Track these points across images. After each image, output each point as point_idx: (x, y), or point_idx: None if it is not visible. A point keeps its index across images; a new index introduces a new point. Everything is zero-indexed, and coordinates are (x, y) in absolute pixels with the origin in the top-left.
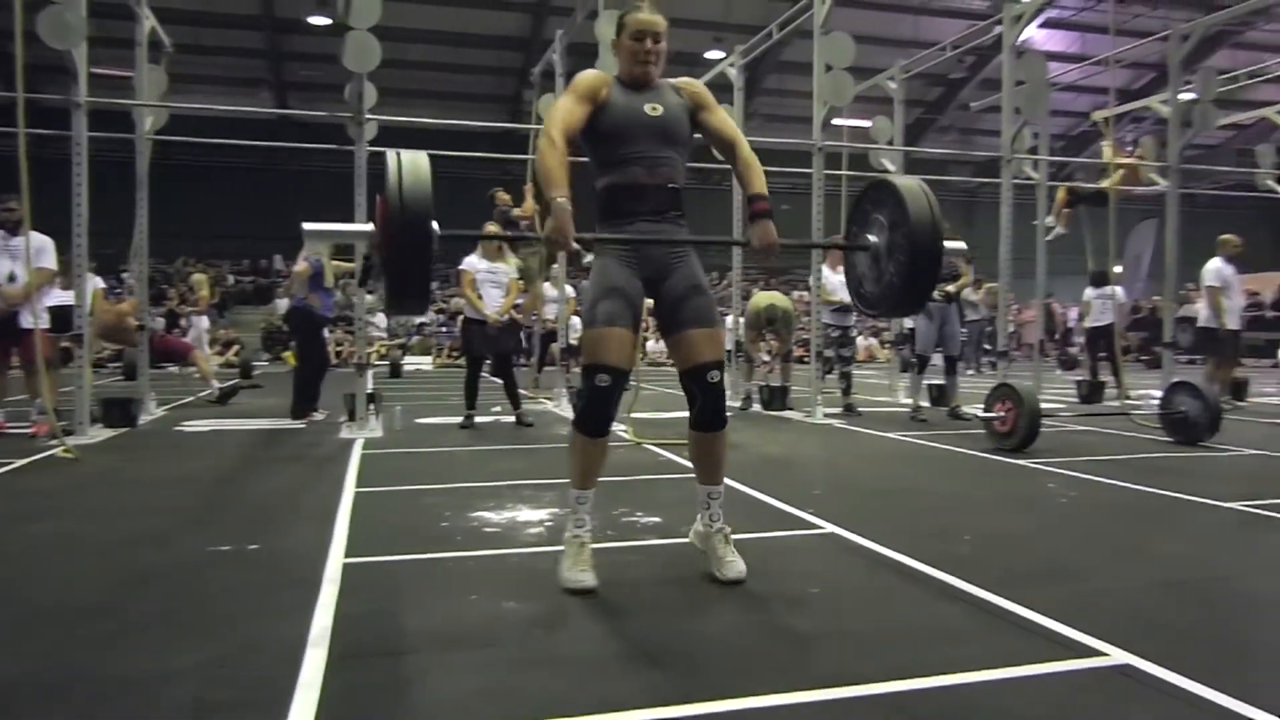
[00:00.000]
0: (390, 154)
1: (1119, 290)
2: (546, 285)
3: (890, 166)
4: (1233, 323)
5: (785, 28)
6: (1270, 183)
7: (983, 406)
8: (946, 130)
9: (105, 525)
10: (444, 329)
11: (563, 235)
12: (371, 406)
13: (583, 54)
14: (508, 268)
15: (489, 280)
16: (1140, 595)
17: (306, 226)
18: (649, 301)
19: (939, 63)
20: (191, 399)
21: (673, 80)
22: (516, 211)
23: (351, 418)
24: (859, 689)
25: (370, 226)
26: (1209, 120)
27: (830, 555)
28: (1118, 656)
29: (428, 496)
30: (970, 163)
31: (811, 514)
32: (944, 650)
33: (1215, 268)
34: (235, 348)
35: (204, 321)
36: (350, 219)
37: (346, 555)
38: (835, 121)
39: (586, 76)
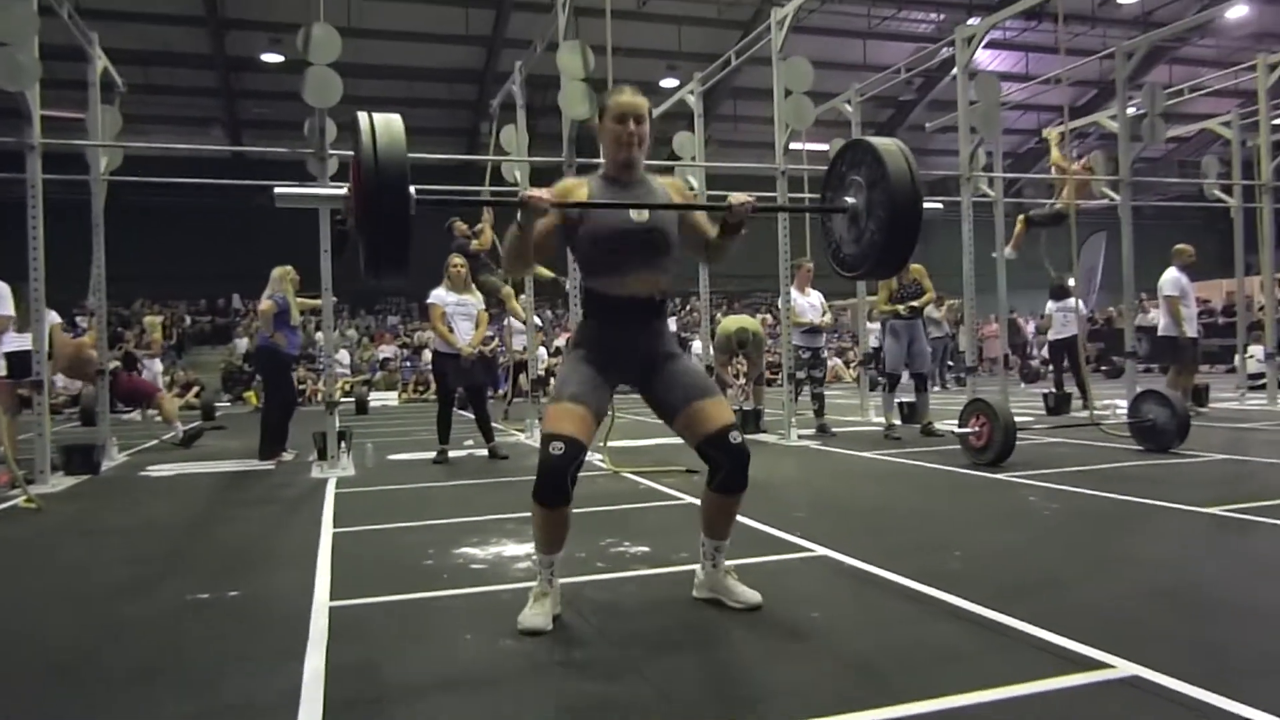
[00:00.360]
0: (362, 116)
1: (1079, 303)
2: (510, 318)
3: None
4: (1191, 330)
5: (742, 55)
6: (1217, 192)
7: (956, 422)
8: None
9: (76, 577)
10: (408, 364)
11: (539, 198)
12: (342, 444)
13: (541, 85)
14: (475, 300)
15: (459, 312)
16: (1135, 604)
17: (278, 190)
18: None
19: (890, 85)
20: (155, 442)
21: (662, 179)
22: (475, 244)
23: (322, 456)
24: (868, 714)
25: (344, 189)
26: (1158, 133)
27: (824, 578)
28: (1124, 668)
29: (409, 534)
30: (924, 182)
31: (799, 537)
32: (949, 670)
33: (1173, 277)
34: (195, 389)
35: (156, 365)
36: (317, 254)
37: (332, 599)
38: (793, 146)
39: (571, 183)
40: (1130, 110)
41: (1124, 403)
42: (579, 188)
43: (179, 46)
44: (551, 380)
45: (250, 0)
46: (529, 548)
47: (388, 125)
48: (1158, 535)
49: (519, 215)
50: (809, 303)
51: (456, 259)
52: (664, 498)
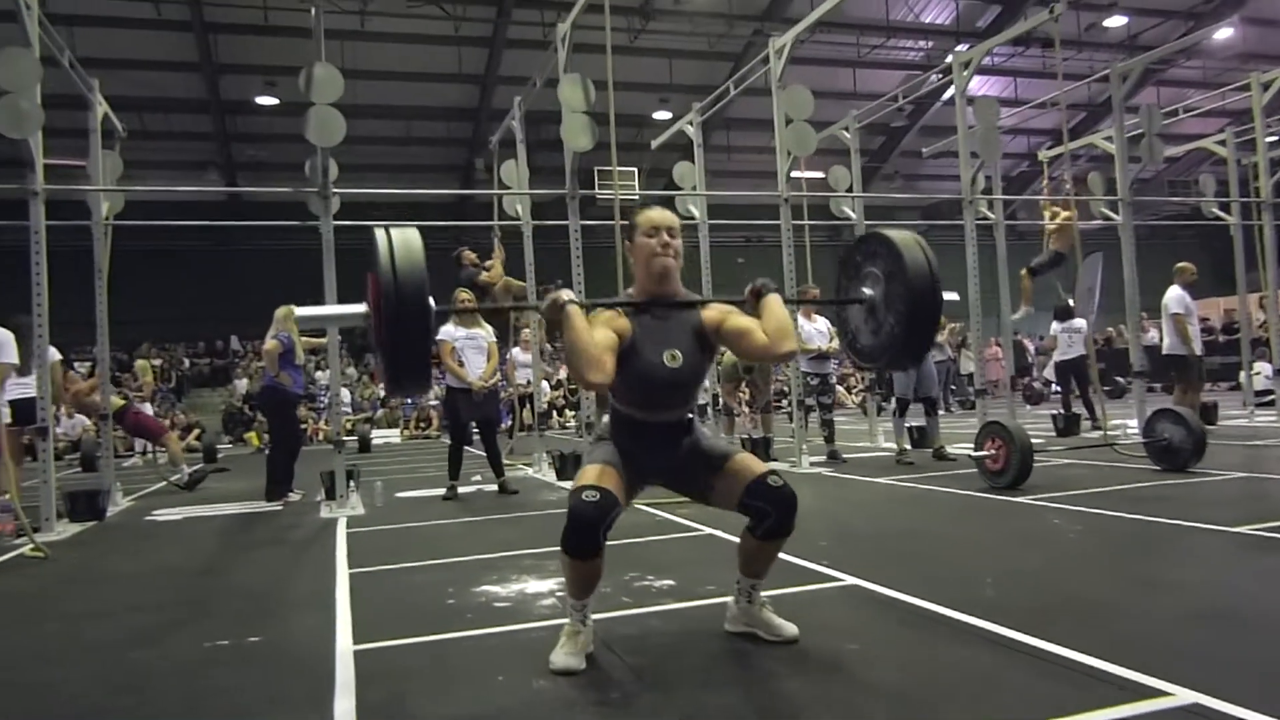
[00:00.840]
0: (379, 231)
1: (1084, 323)
2: (517, 350)
3: (851, 214)
4: (1197, 348)
5: (741, 85)
6: (1215, 210)
7: (972, 446)
8: (891, 177)
9: (90, 625)
10: (409, 401)
11: (559, 296)
12: (351, 483)
13: (536, 121)
14: (485, 332)
15: (469, 345)
16: (1180, 627)
17: (299, 312)
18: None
19: (883, 113)
20: (162, 484)
21: (699, 302)
22: (484, 277)
23: (330, 496)
24: None
25: (364, 307)
26: (1157, 153)
27: (857, 608)
28: (1183, 696)
29: (426, 573)
30: (917, 207)
31: (826, 566)
32: (1001, 701)
33: (1177, 295)
34: (196, 431)
35: (147, 408)
36: (314, 294)
37: (355, 642)
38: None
39: (606, 315)
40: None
41: (1134, 423)
42: (616, 318)
43: (174, 92)
44: (554, 414)
45: (244, 44)
46: (551, 584)
47: (406, 240)
48: (1190, 556)
49: (540, 307)
50: (815, 329)
51: (463, 294)
52: (681, 529)
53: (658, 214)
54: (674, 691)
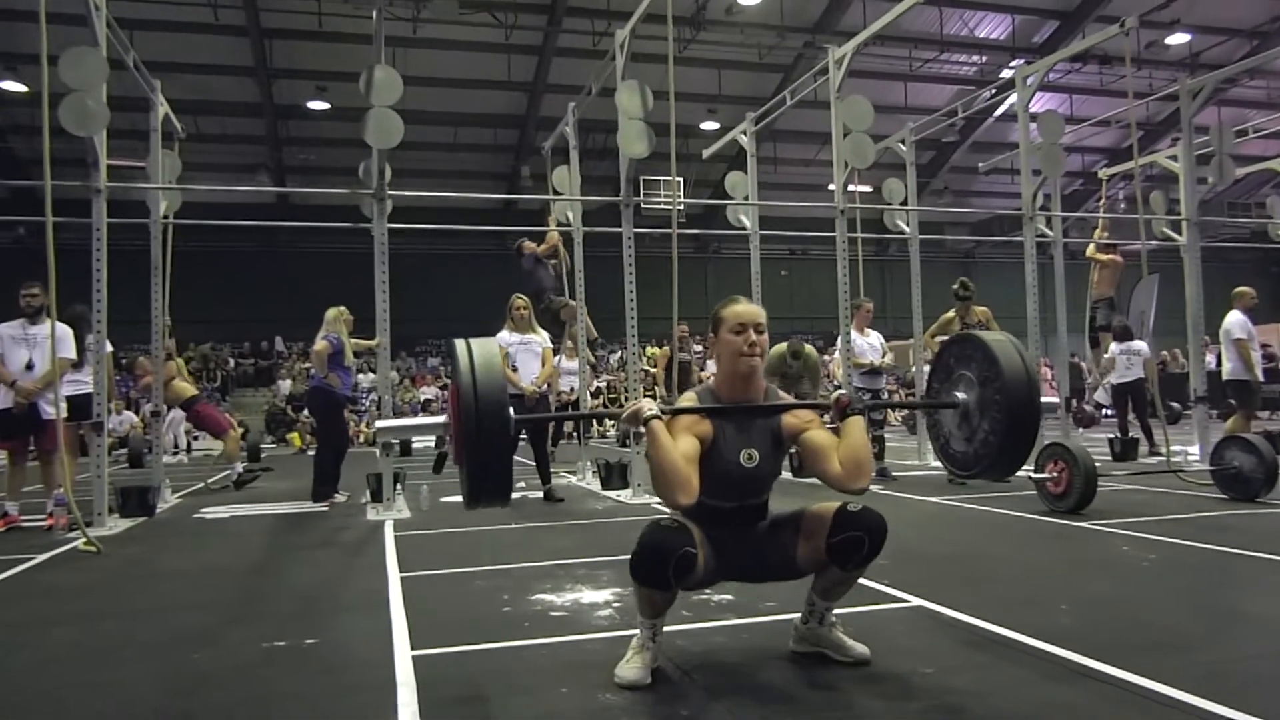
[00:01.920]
0: (459, 344)
1: (1144, 346)
2: (561, 357)
3: (905, 227)
4: (1259, 373)
5: (797, 95)
6: None
7: (1032, 467)
8: (941, 193)
9: (144, 623)
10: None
11: (641, 409)
12: (397, 486)
13: (587, 129)
14: (540, 338)
15: (523, 350)
16: (1271, 665)
17: (380, 424)
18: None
19: (936, 128)
20: (209, 481)
21: (780, 406)
22: (542, 247)
23: (376, 499)
24: None
25: (444, 419)
26: (1226, 173)
27: (926, 630)
28: None
29: (478, 579)
30: (966, 223)
31: (890, 586)
32: None
33: (1239, 320)
34: (240, 430)
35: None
36: (360, 296)
37: (413, 648)
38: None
39: (688, 420)
40: (1170, 151)
41: (1194, 449)
42: (699, 422)
43: (228, 95)
44: (595, 424)
45: (298, 50)
46: (607, 594)
47: (486, 352)
48: (1273, 591)
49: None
50: (868, 343)
51: (519, 300)
52: None
53: (745, 309)
54: (747, 710)
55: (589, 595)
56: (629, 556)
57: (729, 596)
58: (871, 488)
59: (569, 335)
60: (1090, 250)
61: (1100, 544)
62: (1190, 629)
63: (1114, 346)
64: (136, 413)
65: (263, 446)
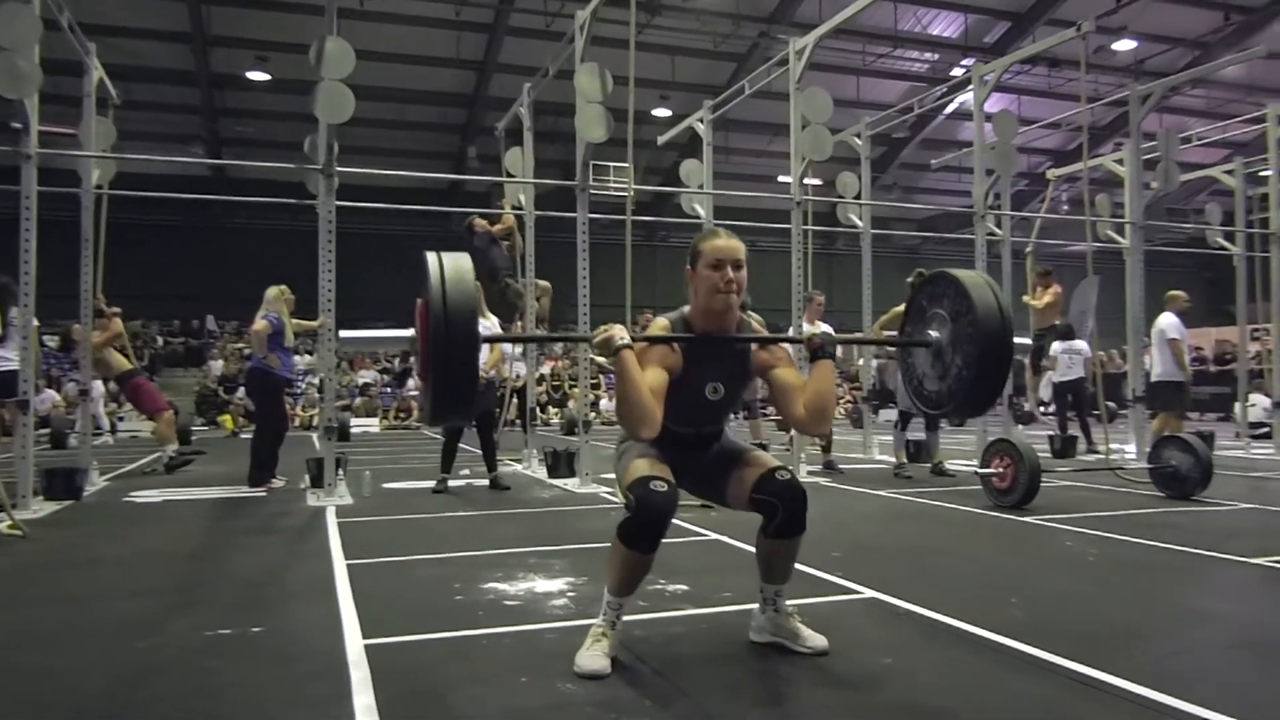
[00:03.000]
0: (431, 256)
1: (1085, 345)
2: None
3: (858, 221)
4: (1190, 374)
5: (755, 85)
6: (1220, 239)
7: (964, 462)
8: (890, 188)
9: (81, 611)
10: (388, 389)
11: (615, 345)
12: (340, 472)
13: (542, 111)
14: (490, 323)
15: None
16: (1223, 658)
17: (343, 334)
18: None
19: (890, 124)
20: (144, 462)
21: (754, 339)
22: (497, 226)
23: (317, 484)
24: None
25: (411, 332)
26: (1172, 179)
27: (883, 622)
28: None
29: (427, 567)
30: (913, 219)
31: (843, 578)
32: None
33: (1174, 321)
34: (168, 414)
35: (98, 386)
36: (297, 275)
37: (365, 636)
38: (781, 179)
39: (659, 351)
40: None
41: (1130, 447)
42: (669, 355)
43: (161, 62)
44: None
45: (237, 17)
46: (560, 584)
47: (457, 267)
48: (1214, 586)
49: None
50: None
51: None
52: (686, 534)
53: (724, 245)
54: (709, 700)
55: (542, 584)
56: (621, 524)
57: (684, 586)
58: (820, 480)
59: (519, 317)
60: (1028, 297)
61: (1045, 539)
62: (1137, 623)
63: (1056, 345)
64: (59, 390)
65: (193, 429)
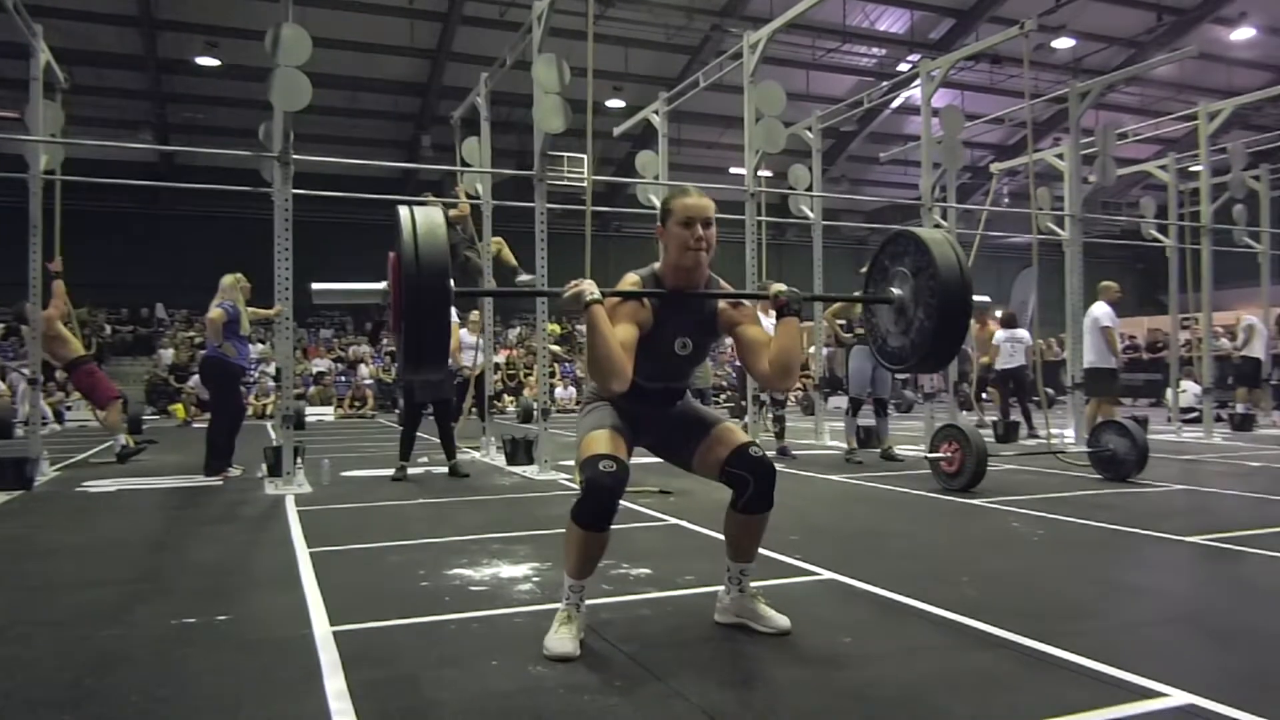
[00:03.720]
0: (403, 210)
1: (1026, 334)
2: (464, 331)
3: (809, 213)
4: (1120, 361)
5: (710, 78)
6: (1153, 231)
7: (913, 447)
8: (838, 180)
9: (40, 599)
10: (342, 378)
11: (583, 289)
12: (298, 461)
13: (497, 101)
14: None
15: None
16: (1161, 631)
17: (315, 286)
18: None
19: (840, 118)
20: (94, 452)
21: (722, 295)
22: (453, 213)
23: (275, 473)
24: None
25: (384, 285)
26: (1110, 173)
27: (841, 602)
28: (1178, 696)
29: (392, 555)
30: (860, 210)
31: (801, 560)
32: (1009, 700)
33: (1106, 310)
34: (118, 401)
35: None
36: (248, 263)
37: (332, 623)
38: (732, 170)
39: (630, 307)
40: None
41: (1069, 432)
42: (640, 310)
43: (108, 46)
44: (503, 397)
45: (185, 1)
46: (525, 569)
47: (429, 221)
48: (1153, 563)
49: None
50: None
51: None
52: (645, 519)
53: (694, 203)
54: (678, 680)
55: (507, 570)
56: (574, 505)
57: (647, 570)
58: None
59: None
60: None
61: (992, 520)
62: (1082, 599)
63: (999, 333)
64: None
65: (145, 418)
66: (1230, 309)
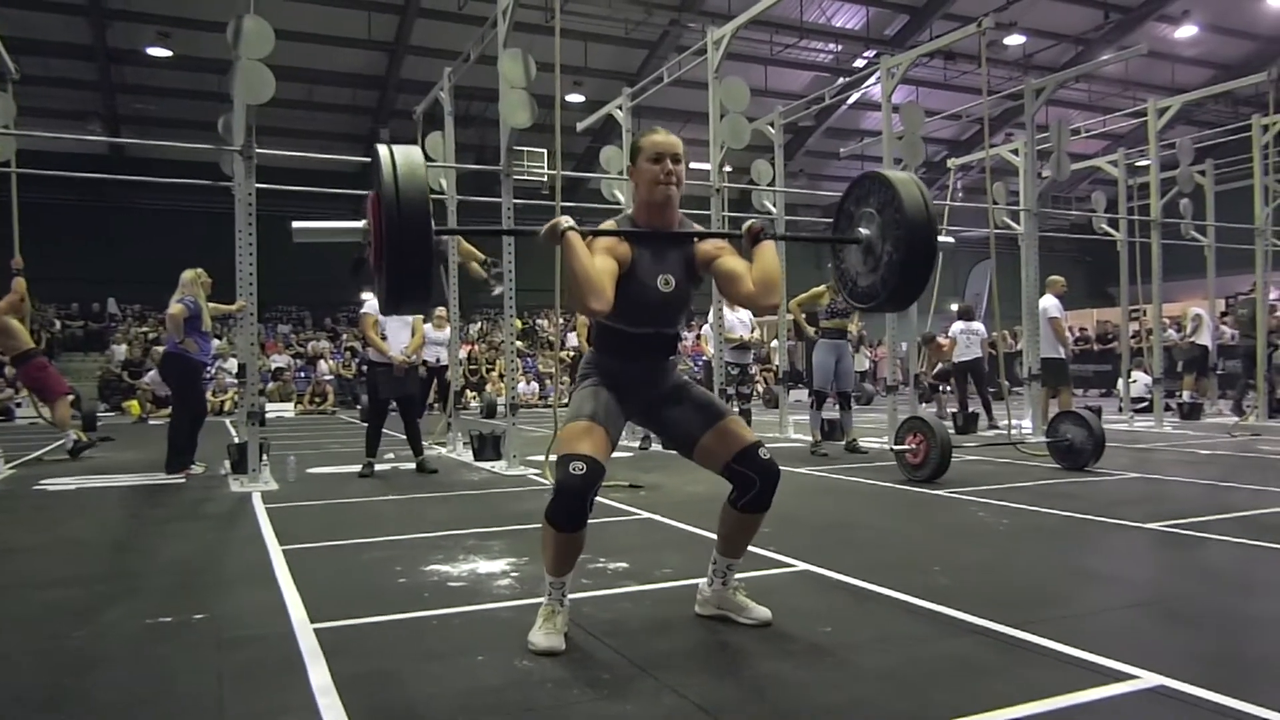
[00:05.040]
0: (382, 149)
1: (982, 327)
2: (428, 327)
3: (772, 208)
4: (1070, 351)
5: (674, 74)
6: (1104, 225)
7: (874, 439)
8: (796, 175)
9: (11, 601)
10: (302, 374)
11: (561, 229)
12: (263, 458)
13: (462, 96)
14: (439, 334)
15: (393, 320)
16: (1126, 615)
17: (296, 225)
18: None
19: (801, 114)
20: (45, 450)
21: (696, 234)
22: None
23: (239, 470)
24: None
25: (363, 223)
26: (1064, 169)
27: (818, 593)
28: (1148, 679)
29: (366, 551)
30: (817, 205)
31: (775, 551)
32: (985, 685)
33: (1054, 303)
34: (71, 397)
35: None
36: (205, 258)
37: (312, 621)
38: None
39: (607, 241)
40: (1013, 144)
41: (1026, 422)
42: (618, 245)
43: (56, 35)
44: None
45: None
46: (503, 564)
47: (409, 158)
48: (1115, 550)
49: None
50: (739, 319)
51: None
52: (618, 514)
53: (662, 139)
54: (666, 673)
55: (485, 565)
56: (545, 506)
57: (624, 564)
58: None
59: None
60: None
61: (958, 510)
62: (1050, 586)
63: (956, 325)
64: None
65: (98, 415)
66: (1175, 300)
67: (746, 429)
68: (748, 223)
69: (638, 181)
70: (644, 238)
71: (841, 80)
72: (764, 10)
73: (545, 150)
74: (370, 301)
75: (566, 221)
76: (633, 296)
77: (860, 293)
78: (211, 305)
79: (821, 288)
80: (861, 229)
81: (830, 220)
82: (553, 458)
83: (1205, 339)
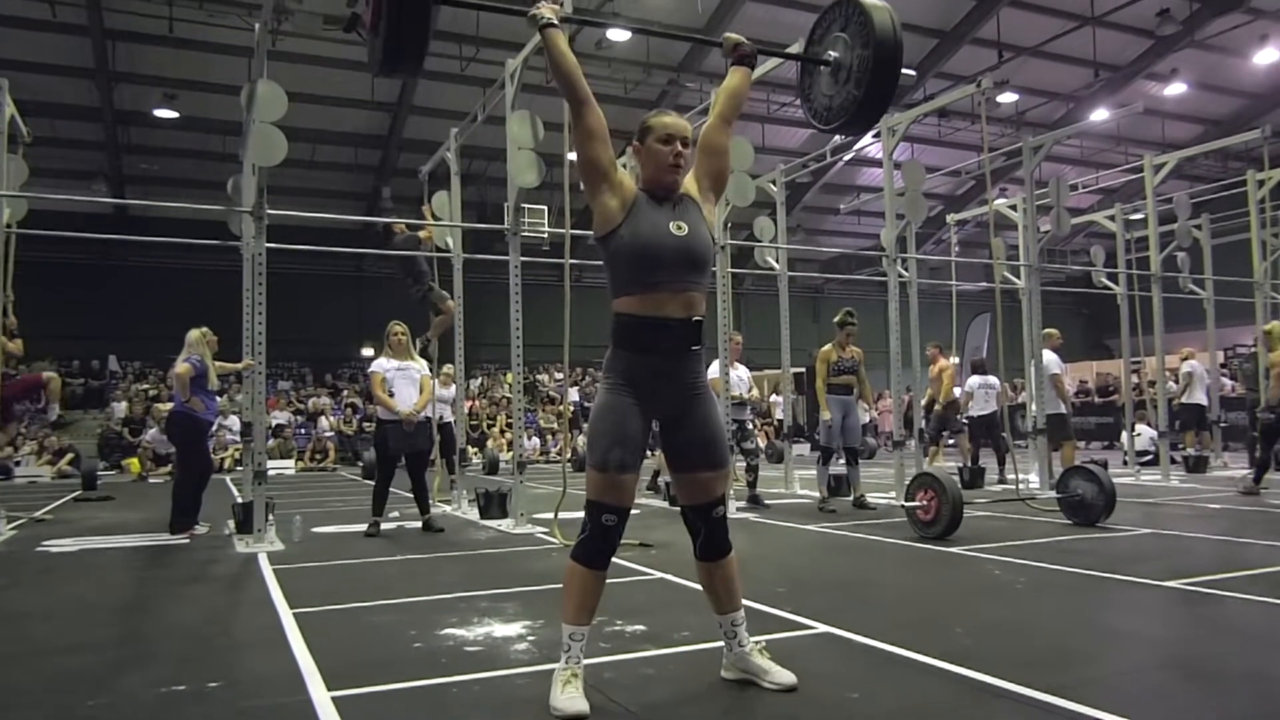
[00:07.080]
0: None
1: (997, 381)
2: (435, 383)
3: (774, 264)
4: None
5: None
6: (1104, 279)
7: (903, 496)
8: (794, 230)
9: (15, 669)
10: (302, 430)
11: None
12: (269, 517)
13: (465, 155)
14: (418, 365)
15: (400, 377)
16: (1162, 677)
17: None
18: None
19: (798, 174)
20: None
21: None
22: (422, 234)
23: (244, 530)
24: None
25: None
26: (1064, 224)
27: (841, 656)
28: None
29: (378, 614)
30: (815, 260)
31: (792, 613)
32: None
33: (1053, 358)
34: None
35: None
36: (206, 317)
37: (330, 689)
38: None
39: (621, 173)
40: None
41: (1034, 477)
42: (630, 190)
43: (63, 98)
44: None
45: (143, 54)
46: (518, 628)
47: None
48: (1137, 608)
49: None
50: (738, 376)
51: (397, 326)
52: (631, 573)
53: (673, 121)
54: None
55: (500, 629)
56: (575, 547)
57: (642, 627)
58: (748, 516)
59: (437, 328)
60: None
61: (974, 568)
62: (1074, 646)
63: (973, 380)
64: None
65: (99, 473)
66: (1175, 352)
67: (719, 485)
68: (736, 39)
69: (644, 161)
70: (651, 197)
71: (839, 137)
72: (764, 74)
73: (545, 207)
74: (377, 361)
75: (547, 14)
76: (649, 249)
77: (835, 110)
78: (218, 364)
79: (828, 347)
80: (832, 52)
81: (828, 276)
82: (562, 515)
83: (1199, 397)
